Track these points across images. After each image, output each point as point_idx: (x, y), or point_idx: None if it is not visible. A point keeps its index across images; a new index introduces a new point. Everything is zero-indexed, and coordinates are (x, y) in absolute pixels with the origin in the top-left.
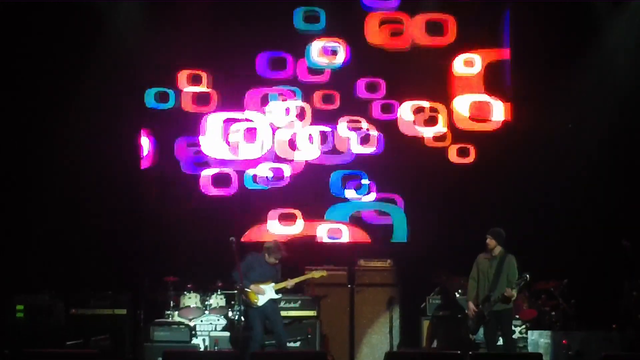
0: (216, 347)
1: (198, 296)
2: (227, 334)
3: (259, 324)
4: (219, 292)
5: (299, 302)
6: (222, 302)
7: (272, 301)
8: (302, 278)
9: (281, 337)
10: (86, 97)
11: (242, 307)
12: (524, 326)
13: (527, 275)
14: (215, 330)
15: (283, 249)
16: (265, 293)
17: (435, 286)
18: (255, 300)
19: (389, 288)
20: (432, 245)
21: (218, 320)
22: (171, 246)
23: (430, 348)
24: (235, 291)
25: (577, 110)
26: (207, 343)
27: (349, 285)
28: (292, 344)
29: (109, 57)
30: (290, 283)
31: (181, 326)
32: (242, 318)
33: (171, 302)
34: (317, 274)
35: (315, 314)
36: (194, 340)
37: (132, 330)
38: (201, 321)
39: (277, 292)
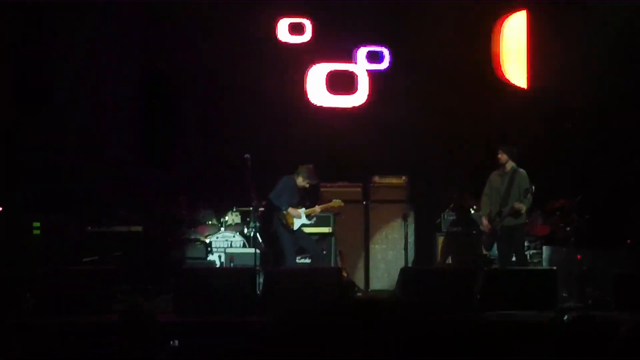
0: (232, 264)
1: (213, 213)
2: (243, 250)
3: (292, 248)
4: (234, 210)
5: (314, 218)
6: (238, 219)
7: (303, 225)
8: (326, 206)
9: (318, 253)
10: None
11: (258, 224)
12: (538, 242)
13: (533, 187)
14: (231, 246)
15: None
16: (301, 217)
17: (450, 202)
18: (292, 224)
19: (403, 205)
20: (447, 162)
21: (234, 237)
22: (183, 162)
23: (444, 264)
24: (250, 208)
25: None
26: (222, 259)
27: (364, 202)
28: (302, 260)
29: None
30: (317, 210)
31: (197, 243)
32: (258, 236)
33: (186, 219)
34: (335, 204)
35: (330, 231)
36: (210, 257)
37: (147, 247)
38: (217, 238)
39: (307, 216)
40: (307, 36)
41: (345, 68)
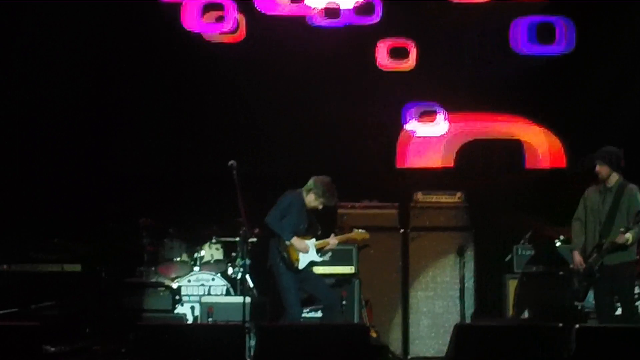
0: (211, 319)
1: (184, 246)
2: (227, 298)
3: (296, 296)
4: (213, 241)
5: (328, 253)
6: (219, 255)
7: (311, 264)
8: (347, 236)
9: (333, 302)
10: None
11: (246, 262)
12: None
13: None
14: (209, 294)
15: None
16: (309, 251)
17: (526, 231)
18: (296, 261)
19: (458, 233)
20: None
21: (213, 280)
22: (146, 175)
23: (518, 319)
24: (237, 239)
25: None
26: (197, 312)
27: (401, 230)
28: (311, 314)
29: None
30: (333, 242)
31: (161, 289)
32: (249, 279)
33: (145, 255)
34: (359, 235)
35: (352, 271)
36: (179, 309)
37: (91, 293)
38: (189, 281)
39: (318, 251)
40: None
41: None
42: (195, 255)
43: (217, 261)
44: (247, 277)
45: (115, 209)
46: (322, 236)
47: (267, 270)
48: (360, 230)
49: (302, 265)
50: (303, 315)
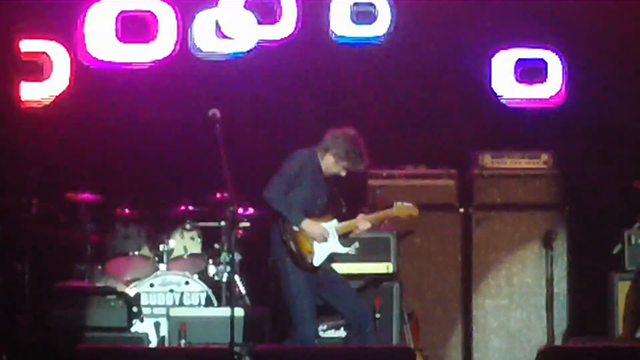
0: (183, 340)
1: (144, 234)
2: (203, 311)
3: (309, 304)
4: (187, 227)
5: (356, 243)
6: (196, 246)
7: (331, 258)
8: (382, 215)
9: (363, 317)
10: None
11: (235, 257)
12: None
13: None
14: (181, 304)
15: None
16: (328, 239)
17: None
18: (310, 254)
19: (545, 213)
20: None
21: (187, 283)
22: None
23: (633, 338)
24: (222, 223)
25: None
26: (164, 331)
27: (461, 209)
28: (329, 334)
29: None
30: (362, 226)
31: (111, 297)
32: (239, 282)
33: (88, 248)
34: (403, 211)
35: (390, 270)
36: (138, 326)
37: (8, 302)
38: (151, 286)
39: (341, 238)
40: None
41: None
42: (161, 247)
43: (192, 256)
44: (237, 279)
45: (38, 178)
46: (349, 216)
47: (268, 268)
48: (404, 203)
49: (318, 260)
50: (320, 334)
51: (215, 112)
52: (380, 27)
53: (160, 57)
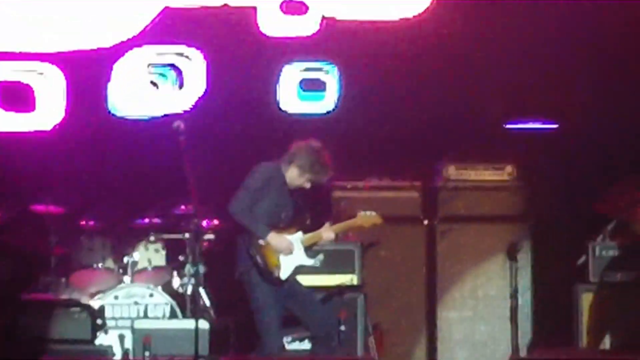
0: (147, 353)
1: (108, 246)
2: (168, 324)
3: (275, 316)
4: (151, 239)
5: (321, 255)
6: (160, 259)
7: (297, 270)
8: (346, 225)
9: (328, 328)
10: None
11: (200, 269)
12: None
13: None
14: (145, 316)
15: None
16: (294, 252)
17: (606, 220)
18: (276, 268)
19: (509, 225)
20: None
21: (151, 295)
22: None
23: (596, 349)
24: (186, 235)
25: None
26: (128, 344)
27: (425, 221)
28: (294, 345)
29: None
30: (326, 236)
31: (74, 309)
32: (203, 294)
33: (52, 260)
34: (367, 220)
35: (354, 281)
36: (102, 338)
37: None
38: (115, 298)
39: (307, 250)
40: None
41: None
42: (126, 259)
43: (156, 268)
44: (202, 291)
45: (2, 189)
46: (313, 228)
47: (234, 281)
48: (368, 212)
49: (284, 273)
50: (286, 346)
51: (180, 124)
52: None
53: None
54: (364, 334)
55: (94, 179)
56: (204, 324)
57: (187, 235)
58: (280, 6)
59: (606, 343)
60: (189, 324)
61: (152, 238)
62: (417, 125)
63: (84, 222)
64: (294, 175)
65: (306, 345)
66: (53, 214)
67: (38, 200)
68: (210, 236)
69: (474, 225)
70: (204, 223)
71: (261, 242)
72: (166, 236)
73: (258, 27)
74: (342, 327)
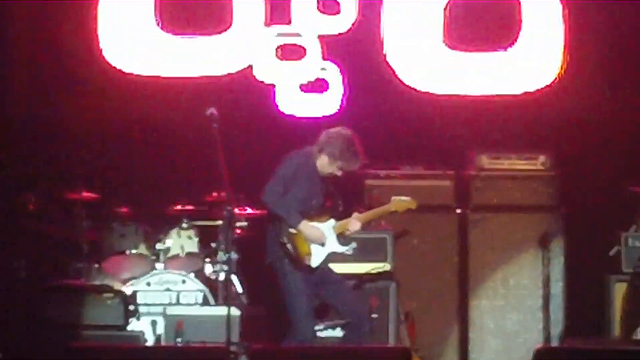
0: (180, 339)
1: (141, 232)
2: (200, 310)
3: (307, 303)
4: (184, 225)
5: (353, 243)
6: (192, 246)
7: (329, 257)
8: (380, 211)
9: (361, 316)
10: None
11: (232, 256)
12: None
13: None
14: (178, 302)
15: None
16: (326, 240)
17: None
18: (308, 256)
19: (541, 215)
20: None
21: (183, 282)
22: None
23: (629, 339)
24: (220, 222)
25: None
26: (160, 329)
27: (458, 210)
28: (326, 333)
29: None
30: (354, 225)
31: (108, 295)
32: (236, 281)
33: (84, 246)
34: (401, 205)
35: (386, 268)
36: (134, 324)
37: (4, 300)
38: (148, 285)
39: (339, 237)
40: None
41: None
42: (158, 246)
43: (189, 255)
44: (234, 278)
45: (33, 173)
46: (346, 215)
47: (266, 268)
48: (402, 197)
49: (316, 261)
50: (317, 333)
51: (213, 111)
52: None
53: None
54: (395, 323)
55: (127, 165)
56: (235, 311)
57: (220, 222)
58: None
59: (638, 333)
60: (220, 310)
61: (184, 225)
62: (451, 113)
63: (117, 208)
64: (324, 163)
65: (338, 332)
66: (86, 200)
67: (71, 186)
68: (243, 223)
69: (506, 215)
70: (237, 210)
71: (292, 230)
72: (199, 223)
73: None
74: (374, 315)
